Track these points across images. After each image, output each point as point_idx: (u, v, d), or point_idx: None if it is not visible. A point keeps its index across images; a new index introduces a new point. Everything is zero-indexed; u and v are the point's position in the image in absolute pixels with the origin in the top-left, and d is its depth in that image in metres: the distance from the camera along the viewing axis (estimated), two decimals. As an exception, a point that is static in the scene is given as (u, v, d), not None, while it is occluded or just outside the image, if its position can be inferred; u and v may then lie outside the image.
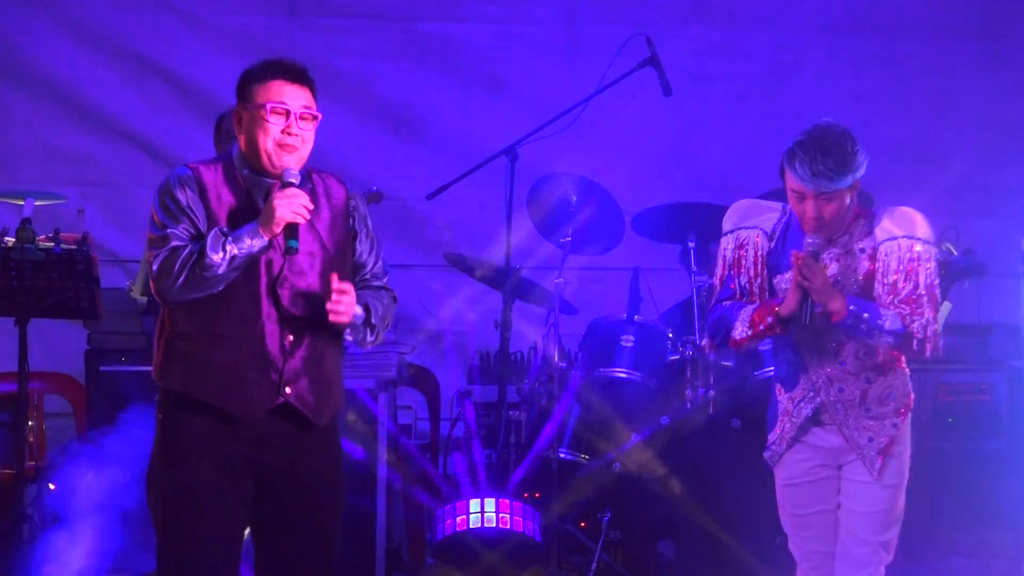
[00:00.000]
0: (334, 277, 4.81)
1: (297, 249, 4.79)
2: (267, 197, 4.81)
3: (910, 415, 5.22)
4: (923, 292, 5.06)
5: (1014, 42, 9.04)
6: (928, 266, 5.08)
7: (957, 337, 7.74)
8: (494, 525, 6.69)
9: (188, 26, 8.83)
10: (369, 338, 4.96)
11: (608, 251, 7.66)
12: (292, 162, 4.82)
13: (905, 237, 5.09)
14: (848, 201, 5.04)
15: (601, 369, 7.29)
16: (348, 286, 4.83)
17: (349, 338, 4.95)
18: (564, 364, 7.29)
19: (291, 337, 4.82)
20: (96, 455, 6.73)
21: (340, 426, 5.07)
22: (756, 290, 5.22)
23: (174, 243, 4.76)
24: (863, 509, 5.17)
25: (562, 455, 7.08)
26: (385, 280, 5.09)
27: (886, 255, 5.09)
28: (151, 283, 4.82)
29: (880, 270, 5.09)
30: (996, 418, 7.92)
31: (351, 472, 5.43)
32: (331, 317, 4.80)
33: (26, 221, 6.51)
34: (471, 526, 6.69)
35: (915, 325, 5.04)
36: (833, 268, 5.11)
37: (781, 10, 8.92)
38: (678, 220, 7.47)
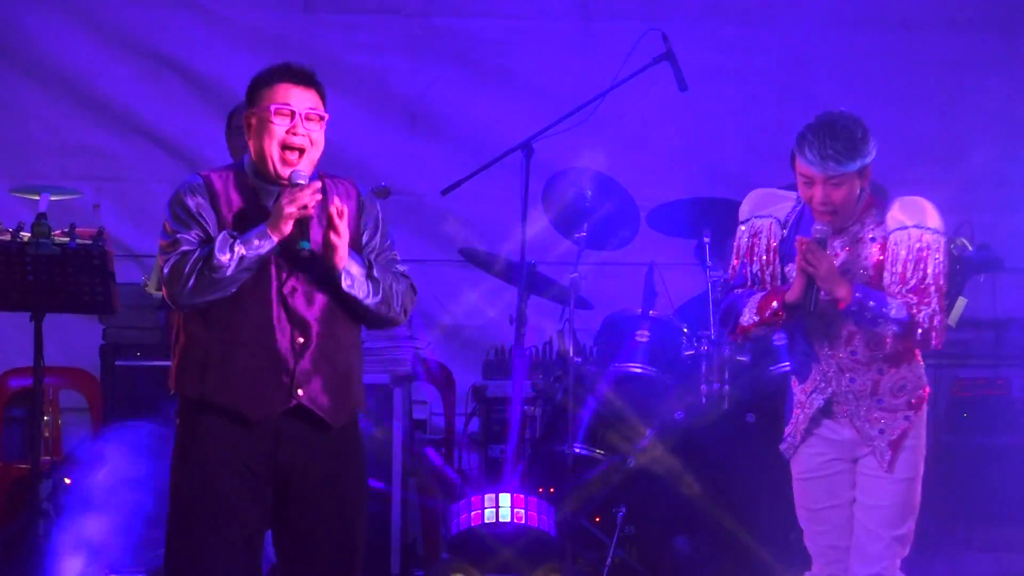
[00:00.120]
0: (334, 201, 4.75)
1: (309, 249, 4.77)
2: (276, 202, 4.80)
3: (925, 408, 5.21)
4: (931, 282, 5.05)
5: (1030, 36, 9.02)
6: (937, 256, 5.08)
7: (973, 332, 7.74)
8: (509, 520, 6.69)
9: (204, 22, 8.83)
10: (372, 297, 4.85)
11: (623, 246, 7.65)
12: (300, 164, 4.80)
13: (915, 227, 5.08)
14: (858, 189, 5.04)
15: (616, 364, 7.29)
16: (345, 208, 4.78)
17: (349, 289, 4.81)
18: (579, 359, 7.28)
19: (301, 339, 4.81)
20: (111, 450, 6.74)
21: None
22: (768, 278, 5.23)
23: (184, 247, 4.76)
24: (876, 503, 5.16)
25: (577, 450, 7.08)
26: (404, 269, 5.03)
27: (896, 244, 5.09)
28: (163, 288, 4.82)
29: (889, 259, 5.09)
30: (1011, 413, 7.91)
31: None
32: (331, 236, 4.72)
33: (41, 216, 6.51)
34: (486, 521, 6.69)
35: (921, 315, 5.03)
36: (842, 256, 5.11)
37: (796, 5, 8.89)
38: (693, 215, 7.46)
